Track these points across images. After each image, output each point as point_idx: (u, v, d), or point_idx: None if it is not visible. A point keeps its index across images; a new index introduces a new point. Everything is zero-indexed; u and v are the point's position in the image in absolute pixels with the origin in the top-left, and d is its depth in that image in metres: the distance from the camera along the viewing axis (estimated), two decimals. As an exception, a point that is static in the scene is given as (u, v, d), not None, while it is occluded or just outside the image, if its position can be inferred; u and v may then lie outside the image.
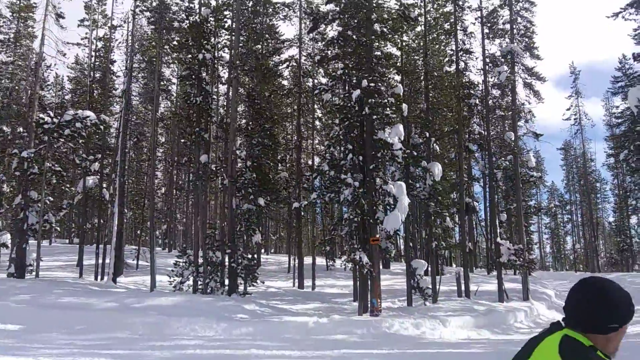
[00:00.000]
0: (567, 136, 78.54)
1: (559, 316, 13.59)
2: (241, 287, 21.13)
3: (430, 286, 20.64)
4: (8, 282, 17.29)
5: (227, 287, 19.85)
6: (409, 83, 25.28)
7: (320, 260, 31.76)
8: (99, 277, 24.73)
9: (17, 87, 26.92)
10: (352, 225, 18.58)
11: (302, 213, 27.91)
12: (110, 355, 10.07)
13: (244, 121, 27.80)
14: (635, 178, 41.21)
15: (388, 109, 19.02)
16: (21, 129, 24.16)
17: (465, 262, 24.64)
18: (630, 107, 16.62)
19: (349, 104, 18.78)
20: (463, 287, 23.22)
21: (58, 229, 29.38)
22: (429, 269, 23.05)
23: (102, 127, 21.90)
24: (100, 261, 24.98)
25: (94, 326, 13.52)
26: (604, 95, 55.54)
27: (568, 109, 55.61)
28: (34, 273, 19.82)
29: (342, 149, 19.51)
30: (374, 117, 18.57)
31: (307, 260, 29.29)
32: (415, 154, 20.72)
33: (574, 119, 54.58)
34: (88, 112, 21.13)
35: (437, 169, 21.15)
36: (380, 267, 35.95)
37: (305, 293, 24.79)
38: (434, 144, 24.32)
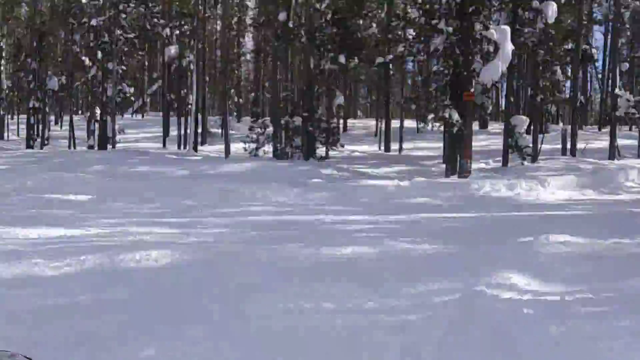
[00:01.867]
0: None
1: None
2: (324, 152, 20.25)
3: (530, 145, 18.50)
4: (87, 154, 17.47)
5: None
6: None
7: (411, 122, 29.97)
8: (182, 147, 24.85)
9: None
10: (444, 79, 16.47)
11: (391, 72, 25.70)
12: (166, 224, 9.49)
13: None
14: None
15: None
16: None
17: (574, 117, 21.86)
18: None
19: None
20: (569, 145, 20.77)
21: (132, 99, 29.49)
22: (536, 126, 20.65)
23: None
24: (182, 131, 24.96)
25: (162, 194, 13.11)
26: None
27: None
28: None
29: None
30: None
31: (396, 123, 27.62)
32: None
33: None
34: (157, -27, 19.72)
35: (552, 9, 17.81)
36: (477, 127, 33.61)
37: (391, 156, 23.52)
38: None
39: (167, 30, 25.91)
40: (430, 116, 15.88)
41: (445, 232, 8.54)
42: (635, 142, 22.05)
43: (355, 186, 14.25)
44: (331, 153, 21.31)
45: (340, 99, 21.59)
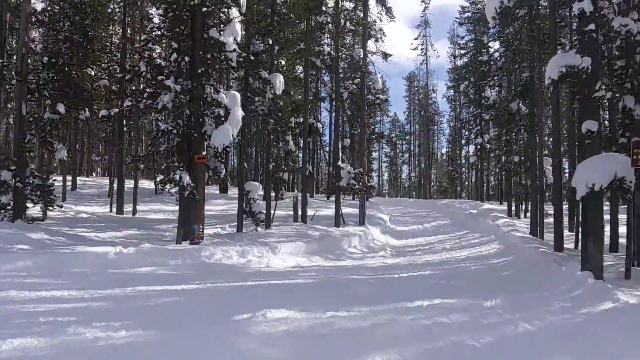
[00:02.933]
0: (413, 68, 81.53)
1: (392, 240, 12.14)
2: (39, 213, 17.45)
3: (264, 211, 18.67)
4: None
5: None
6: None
7: (149, 183, 28.40)
8: None
9: None
10: (174, 139, 15.68)
11: (125, 127, 24.03)
12: None
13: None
14: (471, 109, 42.74)
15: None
16: None
17: (305, 185, 23.11)
18: (488, 18, 15.37)
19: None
20: (300, 212, 21.72)
21: None
22: (269, 192, 21.07)
23: None
24: None
25: None
26: (450, 28, 57.01)
27: (416, 39, 56.48)
28: None
29: (166, 47, 16.16)
30: (204, 9, 15.38)
31: (133, 182, 25.79)
32: (252, 58, 17.96)
33: (421, 49, 55.46)
34: None
35: (279, 81, 18.70)
36: (218, 191, 33.63)
37: (123, 219, 21.59)
38: (278, 55, 21.71)
39: None
40: (160, 177, 14.80)
41: (155, 311, 7.45)
42: (357, 210, 24.21)
43: (69, 254, 12.22)
44: (52, 214, 18.56)
45: (62, 153, 19.11)
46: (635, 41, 13.13)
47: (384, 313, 7.57)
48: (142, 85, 16.74)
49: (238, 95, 16.04)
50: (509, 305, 8.05)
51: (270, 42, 19.87)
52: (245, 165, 22.21)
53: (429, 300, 8.42)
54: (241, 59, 16.51)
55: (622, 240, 20.24)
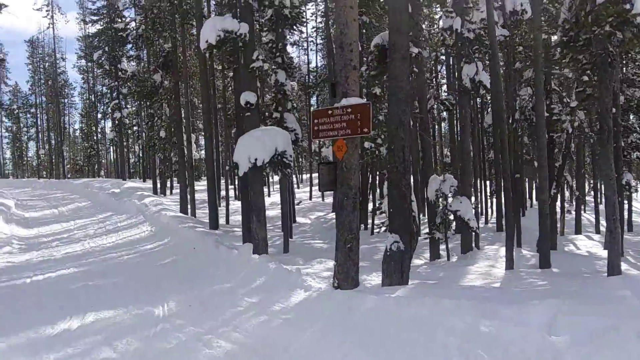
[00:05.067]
0: (37, 33, 72.03)
1: (20, 230, 8.93)
2: None
3: None
4: None
5: None
6: None
7: None
8: None
9: None
10: None
11: None
12: None
13: None
14: (107, 82, 39.37)
15: None
16: None
17: None
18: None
19: None
20: None
21: None
22: None
23: None
24: None
25: None
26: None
27: (40, -3, 49.19)
28: None
29: None
30: None
31: None
32: None
33: (46, 11, 48.44)
34: None
35: None
36: None
37: None
38: None
39: None
40: None
41: None
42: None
43: None
44: None
45: None
46: (284, 15, 13.22)
47: (9, 356, 5.07)
48: None
49: None
50: (188, 312, 6.47)
51: None
52: None
53: (80, 317, 6.22)
54: None
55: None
